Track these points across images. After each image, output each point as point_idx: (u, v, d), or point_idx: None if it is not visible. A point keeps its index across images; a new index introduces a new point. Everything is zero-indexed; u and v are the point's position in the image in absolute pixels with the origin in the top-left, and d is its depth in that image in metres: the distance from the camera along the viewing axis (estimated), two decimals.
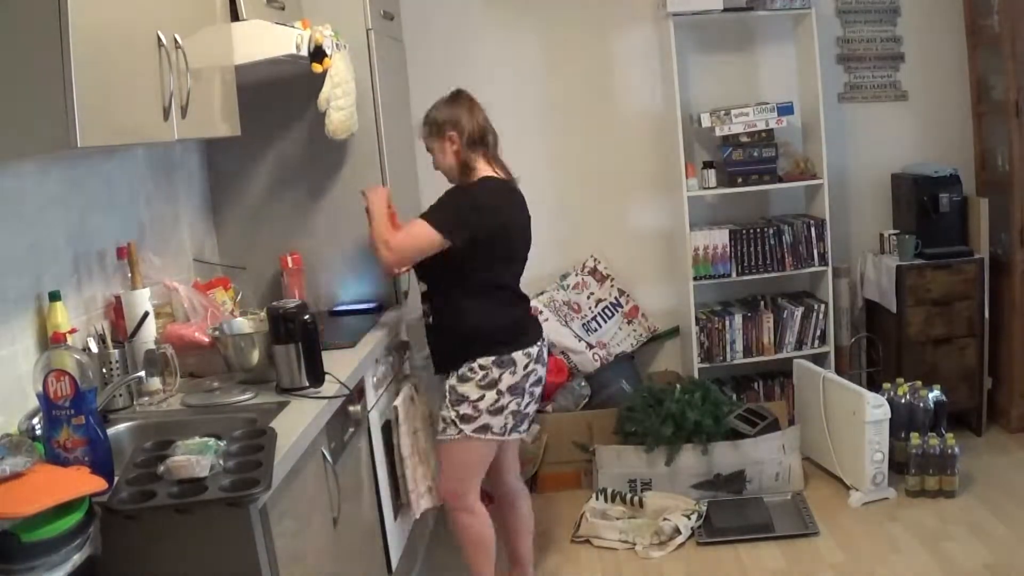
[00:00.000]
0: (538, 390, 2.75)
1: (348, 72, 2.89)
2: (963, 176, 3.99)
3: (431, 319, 2.73)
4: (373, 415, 2.62)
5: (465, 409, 2.63)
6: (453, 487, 2.75)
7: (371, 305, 3.15)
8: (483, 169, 2.66)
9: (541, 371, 2.73)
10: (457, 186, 2.66)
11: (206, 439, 1.74)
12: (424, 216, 2.59)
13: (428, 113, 2.70)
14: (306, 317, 2.23)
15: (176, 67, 2.06)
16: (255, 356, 2.33)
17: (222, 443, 1.77)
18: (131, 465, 1.72)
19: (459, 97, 2.69)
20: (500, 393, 2.62)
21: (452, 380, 2.65)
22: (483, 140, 2.66)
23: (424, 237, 2.57)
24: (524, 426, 2.76)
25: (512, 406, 2.66)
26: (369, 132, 3.11)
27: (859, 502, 3.46)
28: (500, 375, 2.61)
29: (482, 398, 2.61)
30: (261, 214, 3.20)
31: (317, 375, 2.25)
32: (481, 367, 2.61)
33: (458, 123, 2.62)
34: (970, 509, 3.36)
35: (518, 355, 2.64)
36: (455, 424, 2.64)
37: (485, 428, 2.64)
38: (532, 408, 2.76)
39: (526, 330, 2.72)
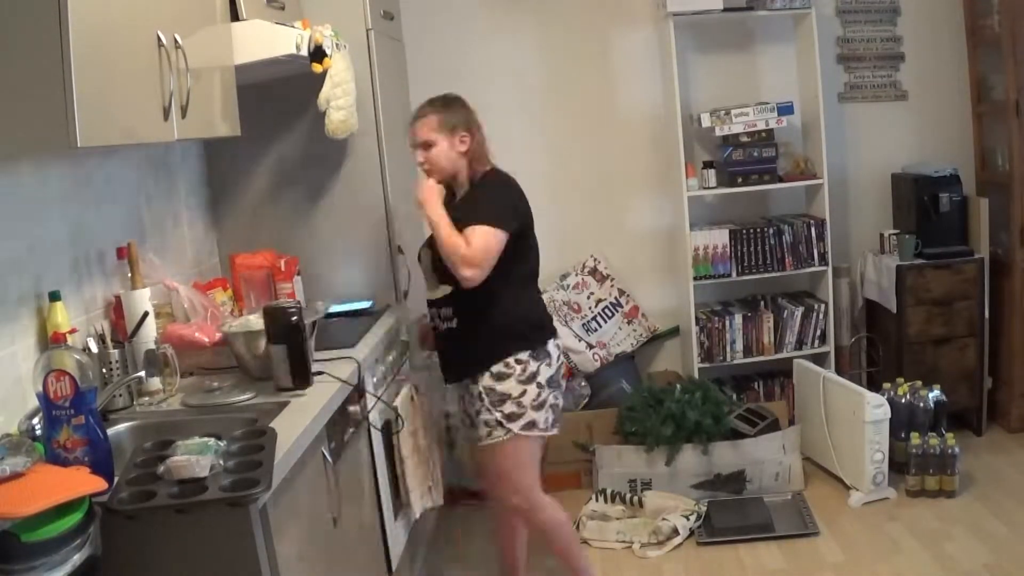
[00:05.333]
0: (564, 383, 2.74)
1: (348, 72, 2.89)
2: (963, 176, 3.99)
3: (455, 323, 2.61)
4: (373, 415, 2.62)
5: (510, 407, 2.55)
6: (514, 490, 2.67)
7: (371, 305, 3.15)
8: (486, 167, 2.66)
9: (563, 364, 2.73)
10: (491, 179, 2.62)
11: (206, 439, 1.74)
12: (482, 220, 2.49)
13: (433, 110, 2.61)
14: (293, 318, 2.21)
15: (176, 67, 2.06)
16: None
17: (222, 443, 1.77)
18: (131, 465, 1.72)
19: (462, 102, 2.65)
20: (540, 387, 2.57)
21: (486, 381, 2.56)
22: (485, 146, 2.66)
23: (495, 243, 2.49)
24: (559, 420, 2.71)
25: (551, 399, 2.61)
26: (369, 132, 3.11)
27: (859, 502, 3.46)
28: (538, 367, 2.56)
29: (524, 393, 2.55)
30: (261, 214, 3.20)
31: (304, 376, 2.22)
32: (518, 361, 2.55)
33: (471, 126, 2.61)
34: (970, 509, 3.35)
35: (551, 346, 2.62)
36: (501, 425, 2.56)
37: (532, 424, 2.57)
38: (562, 402, 2.72)
39: (551, 322, 2.71)
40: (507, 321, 2.57)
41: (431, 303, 2.68)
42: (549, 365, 2.59)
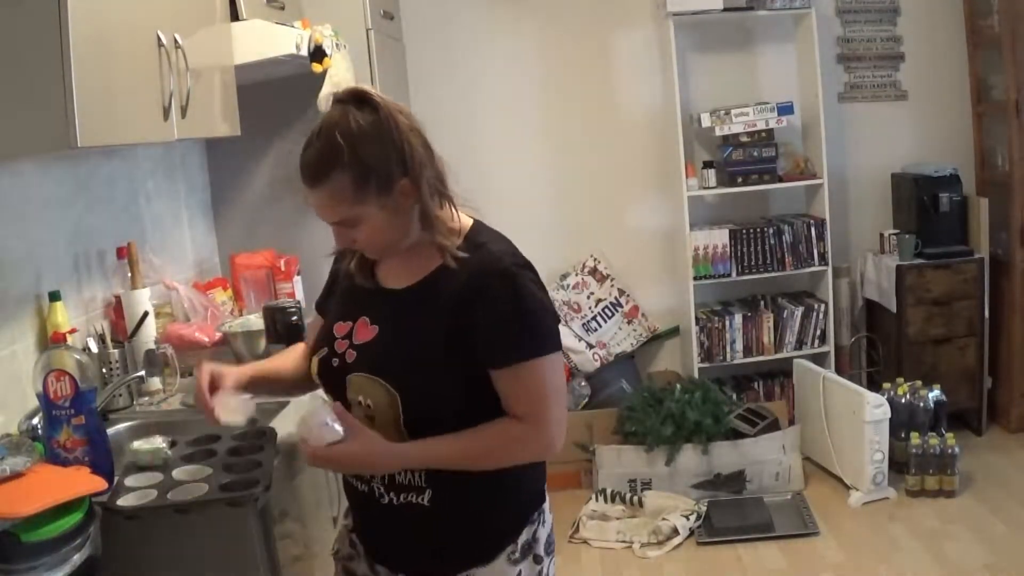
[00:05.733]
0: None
1: (348, 72, 2.89)
2: (963, 176, 3.99)
3: (427, 497, 1.51)
4: None
5: None
6: None
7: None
8: (456, 216, 1.55)
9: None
10: (510, 264, 1.48)
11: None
12: (541, 348, 1.47)
13: (336, 165, 1.42)
14: (293, 318, 2.22)
15: (176, 67, 2.06)
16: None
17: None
18: (131, 465, 1.72)
19: (380, 112, 1.44)
20: (538, 559, 1.59)
21: (477, 571, 1.53)
22: (441, 174, 1.51)
23: (559, 378, 1.52)
24: None
25: (553, 570, 1.64)
26: None
27: (859, 502, 3.46)
28: (534, 533, 1.58)
29: None
30: (261, 214, 3.20)
31: None
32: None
33: (408, 158, 1.45)
34: (970, 509, 3.35)
35: (546, 493, 1.66)
36: None
37: None
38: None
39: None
40: (505, 485, 1.55)
41: None
42: (544, 523, 1.61)
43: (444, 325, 1.45)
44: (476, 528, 1.55)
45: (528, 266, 1.51)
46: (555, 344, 1.50)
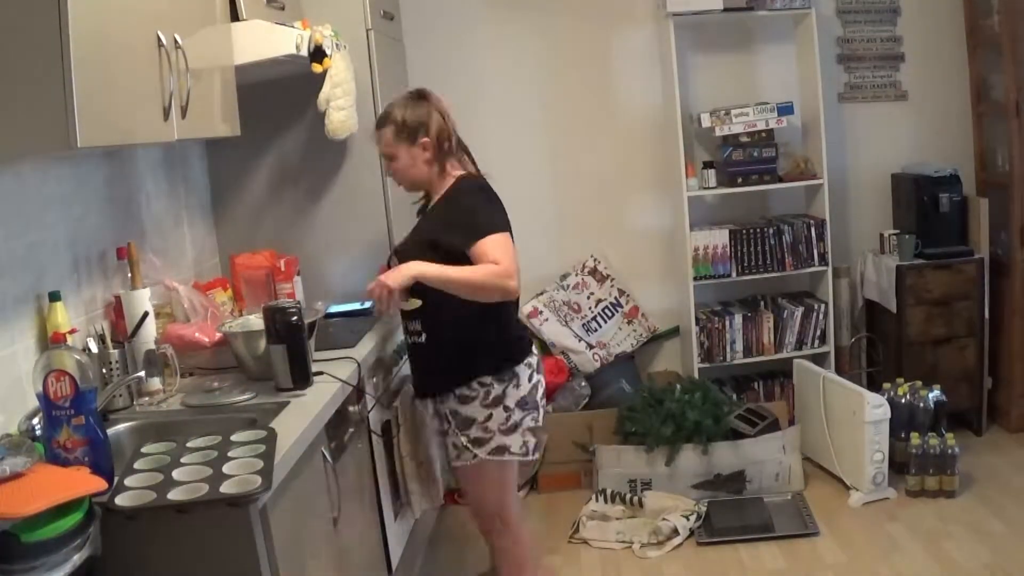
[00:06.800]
0: (543, 401, 2.58)
1: (348, 72, 2.90)
2: (963, 176, 3.99)
3: (423, 338, 2.47)
4: (373, 415, 2.62)
5: (476, 432, 2.43)
6: (485, 511, 2.61)
7: (371, 305, 3.15)
8: (456, 170, 2.50)
9: (543, 381, 2.58)
10: (466, 187, 2.43)
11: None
12: (487, 231, 2.32)
13: (390, 113, 2.44)
14: (293, 318, 2.21)
15: (176, 67, 2.06)
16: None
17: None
18: (131, 465, 1.72)
19: (425, 97, 2.46)
20: (508, 409, 2.43)
21: (451, 403, 2.46)
22: (454, 143, 2.47)
23: (511, 246, 2.35)
24: (541, 446, 2.56)
25: (528, 422, 2.47)
26: (369, 132, 3.10)
27: (859, 502, 3.46)
28: (504, 390, 2.43)
29: (490, 417, 2.42)
30: (261, 214, 3.20)
31: (304, 376, 2.22)
32: (481, 384, 2.42)
33: (429, 127, 2.42)
34: (970, 509, 3.35)
35: (520, 368, 2.46)
36: (468, 448, 2.45)
37: (501, 449, 2.44)
38: (541, 422, 2.55)
39: (525, 338, 2.57)
40: (472, 341, 2.43)
41: (402, 315, 2.53)
42: (517, 386, 2.45)
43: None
44: (452, 364, 2.44)
45: (484, 188, 2.46)
46: (501, 225, 2.38)
